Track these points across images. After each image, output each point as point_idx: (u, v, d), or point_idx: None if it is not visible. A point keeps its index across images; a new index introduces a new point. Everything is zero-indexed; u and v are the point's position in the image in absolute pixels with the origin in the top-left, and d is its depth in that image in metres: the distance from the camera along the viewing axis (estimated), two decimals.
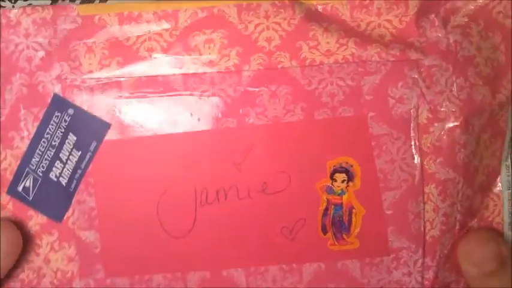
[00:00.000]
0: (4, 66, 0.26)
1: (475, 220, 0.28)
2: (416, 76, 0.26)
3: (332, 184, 0.26)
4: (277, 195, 0.26)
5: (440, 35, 0.27)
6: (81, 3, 0.28)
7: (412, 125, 0.26)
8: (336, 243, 0.27)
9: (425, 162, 0.26)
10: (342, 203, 0.26)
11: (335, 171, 0.26)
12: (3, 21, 0.26)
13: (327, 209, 0.26)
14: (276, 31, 0.26)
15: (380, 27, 0.27)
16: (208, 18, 0.26)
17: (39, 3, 0.28)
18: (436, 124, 0.26)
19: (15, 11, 0.26)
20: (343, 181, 0.26)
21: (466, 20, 0.27)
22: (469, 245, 0.26)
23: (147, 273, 0.27)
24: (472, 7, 0.27)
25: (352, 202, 0.26)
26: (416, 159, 0.26)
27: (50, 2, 0.28)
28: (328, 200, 0.26)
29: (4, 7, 0.27)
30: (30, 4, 0.28)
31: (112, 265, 0.27)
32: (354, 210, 0.26)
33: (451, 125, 0.26)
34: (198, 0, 0.27)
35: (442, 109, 0.26)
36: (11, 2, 0.27)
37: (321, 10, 0.27)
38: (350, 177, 0.26)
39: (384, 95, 0.26)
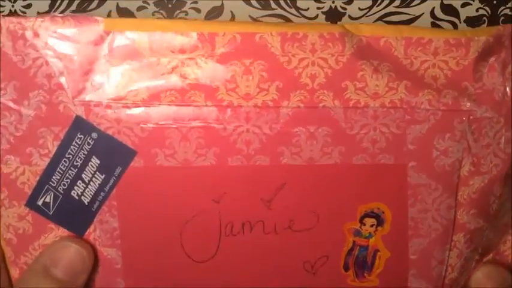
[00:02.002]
0: (20, 80, 0.24)
1: (491, 255, 0.28)
2: (465, 129, 0.24)
3: (360, 227, 0.26)
4: (303, 233, 0.26)
5: (496, 81, 0.25)
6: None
7: (453, 177, 0.25)
8: (356, 280, 0.27)
9: (458, 213, 0.26)
10: (368, 245, 0.26)
11: (365, 215, 0.26)
12: (20, 31, 0.23)
13: (352, 249, 0.26)
14: (321, 68, 0.24)
15: (434, 67, 0.24)
16: (248, 46, 0.24)
17: (39, 3, 0.25)
18: (476, 177, 0.25)
19: (31, 20, 0.23)
20: (372, 225, 0.26)
21: None
22: (478, 279, 0.27)
23: None
24: None
25: (378, 245, 0.26)
26: (452, 211, 0.26)
27: (50, 2, 0.25)
28: (354, 242, 0.26)
29: (3, 6, 0.24)
30: (29, 4, 0.25)
31: (132, 280, 0.27)
32: (378, 253, 0.26)
33: (491, 178, 0.25)
34: (238, 22, 0.24)
35: (485, 163, 0.25)
36: (11, 2, 0.24)
37: (373, 45, 0.24)
38: (380, 223, 0.26)
39: (429, 146, 0.25)
